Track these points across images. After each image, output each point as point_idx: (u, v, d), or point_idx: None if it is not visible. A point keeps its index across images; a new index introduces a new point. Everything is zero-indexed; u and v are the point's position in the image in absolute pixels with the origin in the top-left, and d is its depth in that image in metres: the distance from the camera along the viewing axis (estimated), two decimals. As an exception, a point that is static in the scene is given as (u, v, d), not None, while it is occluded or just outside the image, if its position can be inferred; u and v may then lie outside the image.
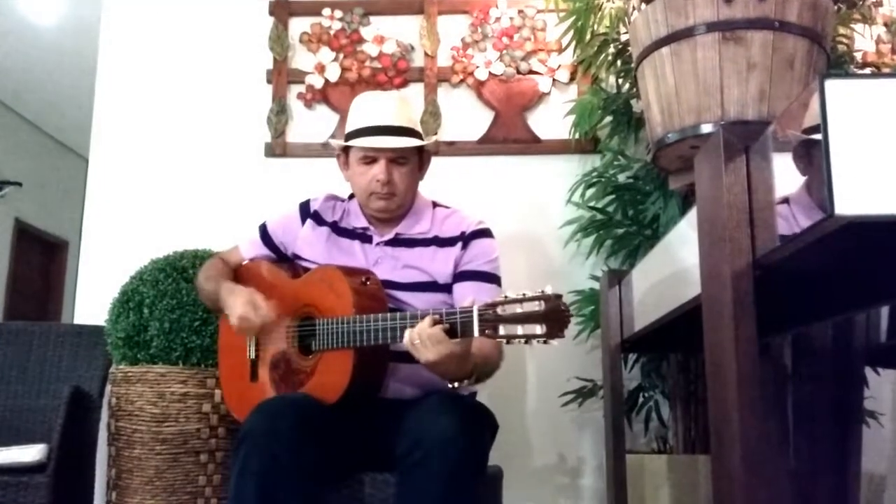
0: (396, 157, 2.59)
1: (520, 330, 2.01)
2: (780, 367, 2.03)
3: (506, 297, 2.06)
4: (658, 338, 2.58)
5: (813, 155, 1.30)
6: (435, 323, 2.15)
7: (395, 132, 2.58)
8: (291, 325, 2.54)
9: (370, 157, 2.59)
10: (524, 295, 2.03)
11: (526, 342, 2.02)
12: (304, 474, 2.17)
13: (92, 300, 3.83)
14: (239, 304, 2.46)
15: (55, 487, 2.89)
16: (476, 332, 2.09)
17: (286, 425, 2.19)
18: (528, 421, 3.74)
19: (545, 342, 1.99)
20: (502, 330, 2.04)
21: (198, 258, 3.21)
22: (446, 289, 2.59)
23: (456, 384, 2.28)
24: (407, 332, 2.19)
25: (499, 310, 2.05)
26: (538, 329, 1.99)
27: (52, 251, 9.64)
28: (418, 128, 2.68)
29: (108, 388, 3.29)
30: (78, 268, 4.05)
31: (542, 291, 2.02)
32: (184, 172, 4.04)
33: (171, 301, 3.07)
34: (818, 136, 1.22)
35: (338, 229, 2.70)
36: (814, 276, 1.59)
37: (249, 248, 2.80)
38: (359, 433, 2.41)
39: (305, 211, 2.75)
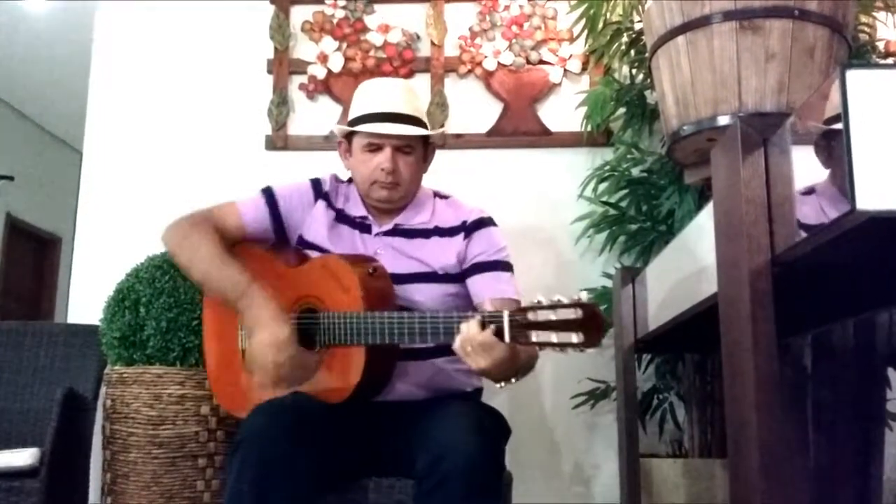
0: (402, 146, 2.59)
1: (554, 338, 2.01)
2: (799, 368, 2.03)
3: (539, 302, 2.06)
4: (673, 337, 2.58)
5: (834, 146, 1.30)
6: (483, 326, 2.13)
7: (401, 120, 2.58)
8: (291, 318, 2.52)
9: (375, 145, 2.58)
10: (558, 301, 2.03)
11: (561, 350, 2.02)
12: (302, 479, 2.17)
13: (86, 298, 3.84)
14: (273, 341, 2.33)
15: (48, 493, 2.89)
16: (507, 338, 2.09)
17: (284, 429, 2.19)
18: (538, 423, 3.75)
19: (581, 351, 2.00)
20: (534, 337, 2.04)
21: (196, 255, 3.21)
22: (447, 279, 2.58)
23: (502, 384, 2.28)
24: (458, 339, 2.16)
25: (529, 315, 2.05)
26: (574, 338, 1.98)
27: (45, 247, 9.65)
28: (425, 118, 2.69)
29: (103, 389, 3.27)
30: (71, 265, 4.06)
31: (578, 298, 2.02)
32: (181, 166, 4.05)
33: (169, 299, 3.07)
34: (838, 128, 1.23)
35: (339, 216, 2.69)
36: (835, 274, 1.59)
37: (249, 208, 2.67)
38: (364, 436, 2.41)
39: (318, 189, 2.70)
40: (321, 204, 2.67)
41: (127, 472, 3.03)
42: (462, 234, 2.63)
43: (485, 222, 2.67)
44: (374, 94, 2.65)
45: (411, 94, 2.70)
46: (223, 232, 2.60)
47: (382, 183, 2.58)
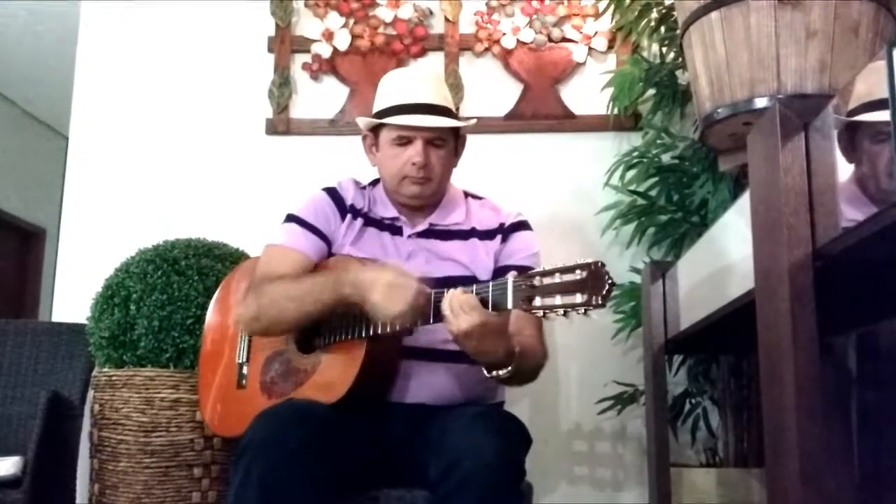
0: (434, 139, 2.60)
1: (558, 300, 2.01)
2: (842, 370, 2.03)
3: (543, 269, 2.08)
4: (706, 337, 2.58)
5: (862, 139, 1.30)
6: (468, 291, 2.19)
7: (432, 111, 2.59)
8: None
9: (405, 138, 2.59)
10: (562, 266, 2.04)
11: (564, 314, 2.02)
12: (313, 489, 2.17)
13: (72, 295, 3.85)
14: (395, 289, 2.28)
15: (32, 504, 2.91)
16: (510, 304, 2.11)
17: (294, 435, 2.18)
18: (561, 430, 3.75)
19: (585, 312, 1.99)
20: (538, 301, 2.05)
21: (190, 248, 3.21)
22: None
23: (494, 373, 2.30)
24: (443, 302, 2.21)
25: (535, 281, 2.07)
26: (578, 297, 1.98)
27: (28, 240, 9.67)
28: (454, 108, 2.70)
29: (91, 393, 3.29)
30: (57, 259, 4.07)
31: (581, 260, 2.03)
32: (175, 153, 4.06)
33: (161, 296, 3.07)
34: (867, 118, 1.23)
35: (367, 220, 2.70)
36: (881, 269, 1.59)
37: (297, 238, 2.65)
38: (376, 441, 2.43)
39: (340, 203, 2.70)
40: (348, 218, 2.68)
41: (116, 482, 3.04)
42: (499, 237, 2.68)
43: (521, 225, 2.73)
44: (402, 84, 2.66)
45: (440, 83, 2.72)
46: (287, 275, 2.58)
47: (414, 178, 2.60)
